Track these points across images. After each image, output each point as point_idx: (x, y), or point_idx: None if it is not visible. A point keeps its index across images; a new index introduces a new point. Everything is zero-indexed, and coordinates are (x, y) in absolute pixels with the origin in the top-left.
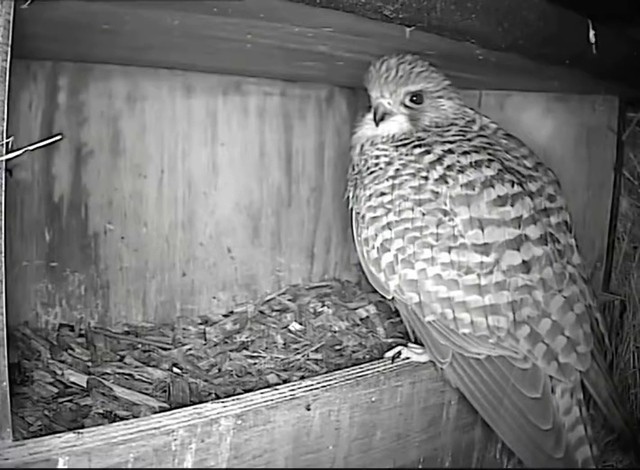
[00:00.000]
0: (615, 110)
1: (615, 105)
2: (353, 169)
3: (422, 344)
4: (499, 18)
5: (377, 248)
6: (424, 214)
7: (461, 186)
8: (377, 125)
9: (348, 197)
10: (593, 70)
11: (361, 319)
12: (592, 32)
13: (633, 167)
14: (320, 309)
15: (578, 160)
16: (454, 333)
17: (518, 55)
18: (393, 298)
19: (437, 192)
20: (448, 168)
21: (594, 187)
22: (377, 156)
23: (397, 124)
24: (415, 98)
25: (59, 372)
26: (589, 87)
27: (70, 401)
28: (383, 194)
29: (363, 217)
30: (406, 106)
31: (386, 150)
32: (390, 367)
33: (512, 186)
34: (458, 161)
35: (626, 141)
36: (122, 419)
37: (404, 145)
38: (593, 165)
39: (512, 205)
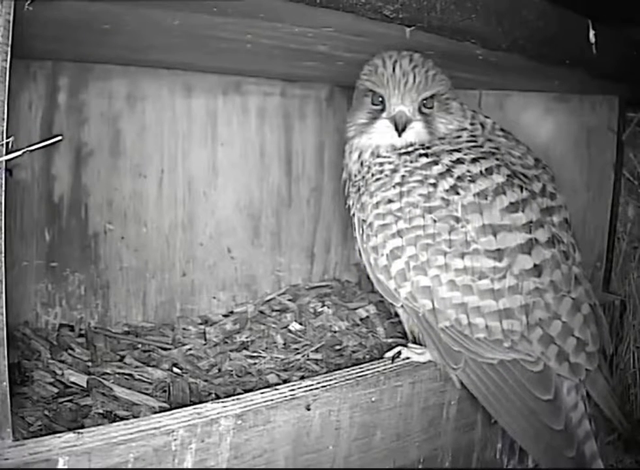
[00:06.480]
0: (615, 110)
1: (615, 105)
2: (353, 176)
3: (421, 345)
4: (499, 18)
5: (387, 255)
6: (435, 221)
7: (473, 195)
8: (399, 135)
9: (348, 204)
10: (593, 70)
11: (361, 319)
12: (592, 32)
13: (633, 167)
14: (320, 309)
15: (578, 161)
16: (468, 338)
17: (518, 55)
18: (402, 305)
19: (447, 200)
20: (459, 178)
21: (594, 187)
22: (381, 164)
23: (415, 132)
24: (426, 102)
25: (59, 372)
26: (589, 87)
27: (70, 401)
28: (390, 201)
29: (370, 224)
30: (422, 113)
31: (389, 157)
32: (390, 367)
33: (522, 191)
34: (469, 171)
35: (626, 141)
36: (122, 419)
37: (408, 153)
38: (593, 165)
39: (522, 211)
